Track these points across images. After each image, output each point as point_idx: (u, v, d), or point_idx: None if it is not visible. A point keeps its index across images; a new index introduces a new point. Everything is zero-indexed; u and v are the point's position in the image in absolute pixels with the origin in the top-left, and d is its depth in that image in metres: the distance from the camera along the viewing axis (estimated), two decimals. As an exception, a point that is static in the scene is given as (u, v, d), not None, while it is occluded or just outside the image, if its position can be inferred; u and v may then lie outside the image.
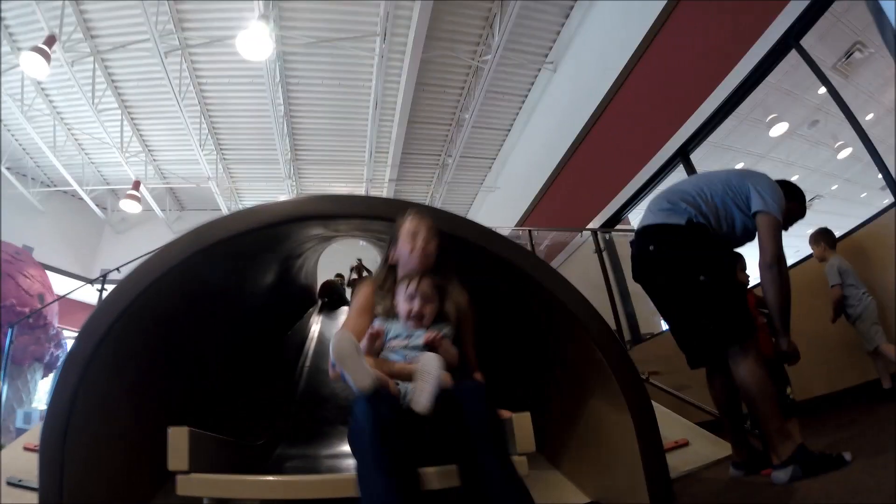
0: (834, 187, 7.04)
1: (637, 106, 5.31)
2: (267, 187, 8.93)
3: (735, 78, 3.97)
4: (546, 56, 6.55)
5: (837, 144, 6.15)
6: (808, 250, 3.28)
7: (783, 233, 2.11)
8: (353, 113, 7.19)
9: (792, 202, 2.19)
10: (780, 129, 5.93)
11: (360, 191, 8.49)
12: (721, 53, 4.12)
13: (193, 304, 1.79)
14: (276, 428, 2.49)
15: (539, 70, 6.74)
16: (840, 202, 7.18)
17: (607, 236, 5.41)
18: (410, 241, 1.79)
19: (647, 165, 5.02)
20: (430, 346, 1.64)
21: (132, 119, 7.14)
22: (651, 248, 2.04)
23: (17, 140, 7.64)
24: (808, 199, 2.31)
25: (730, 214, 2.04)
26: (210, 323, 2.05)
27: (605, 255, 4.78)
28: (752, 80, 3.94)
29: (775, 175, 2.18)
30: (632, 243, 2.18)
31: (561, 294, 1.64)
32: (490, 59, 6.01)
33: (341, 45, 5.95)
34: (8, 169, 7.89)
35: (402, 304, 1.73)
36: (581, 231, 5.81)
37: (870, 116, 4.76)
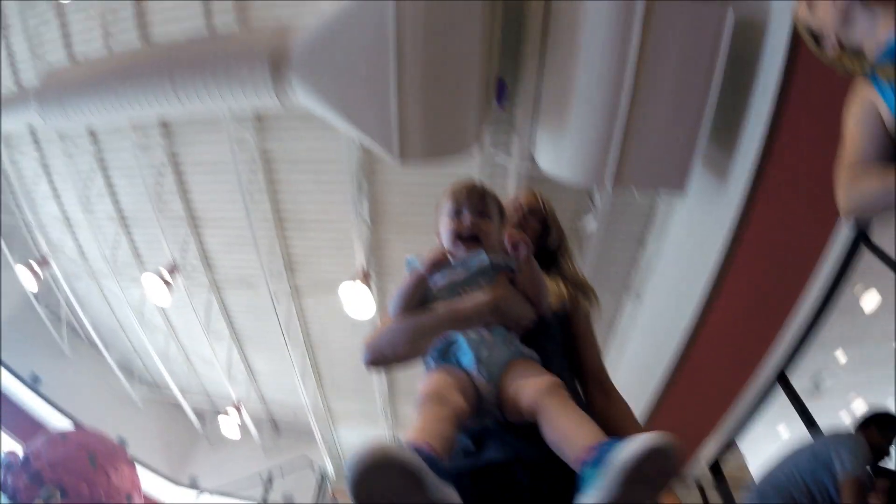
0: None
1: (727, 329, 5.13)
2: (362, 421, 9.06)
3: (816, 286, 3.83)
4: (629, 286, 6.63)
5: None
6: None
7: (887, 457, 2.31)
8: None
9: (892, 431, 2.40)
10: (871, 300, 5.43)
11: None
12: (797, 266, 4.02)
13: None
14: None
15: (624, 300, 6.79)
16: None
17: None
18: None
19: (747, 391, 4.72)
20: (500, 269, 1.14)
21: (240, 345, 7.81)
22: None
23: (129, 341, 8.49)
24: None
25: (823, 488, 2.13)
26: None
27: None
28: (834, 284, 3.77)
29: (879, 355, 2.35)
30: None
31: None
32: (577, 298, 6.17)
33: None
34: (117, 364, 8.69)
35: (445, 227, 1.23)
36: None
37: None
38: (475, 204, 1.22)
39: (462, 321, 1.05)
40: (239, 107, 4.44)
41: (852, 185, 1.26)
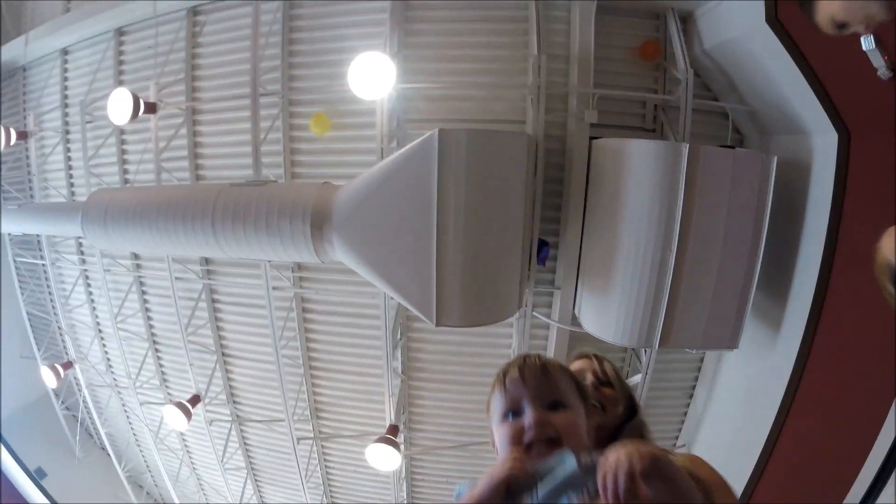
0: None
1: (783, 488, 4.65)
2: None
3: (881, 439, 3.37)
4: (676, 439, 6.17)
5: None
6: None
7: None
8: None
9: None
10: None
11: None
12: (859, 419, 3.62)
13: None
14: None
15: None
16: None
17: None
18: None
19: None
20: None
21: (256, 481, 7.41)
22: None
23: (143, 456, 8.19)
24: None
25: None
26: None
27: None
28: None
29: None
30: None
31: None
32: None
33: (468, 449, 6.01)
34: (127, 477, 8.29)
35: (501, 434, 0.91)
36: None
37: None
38: (539, 392, 0.91)
39: None
40: (278, 259, 4.42)
41: None
